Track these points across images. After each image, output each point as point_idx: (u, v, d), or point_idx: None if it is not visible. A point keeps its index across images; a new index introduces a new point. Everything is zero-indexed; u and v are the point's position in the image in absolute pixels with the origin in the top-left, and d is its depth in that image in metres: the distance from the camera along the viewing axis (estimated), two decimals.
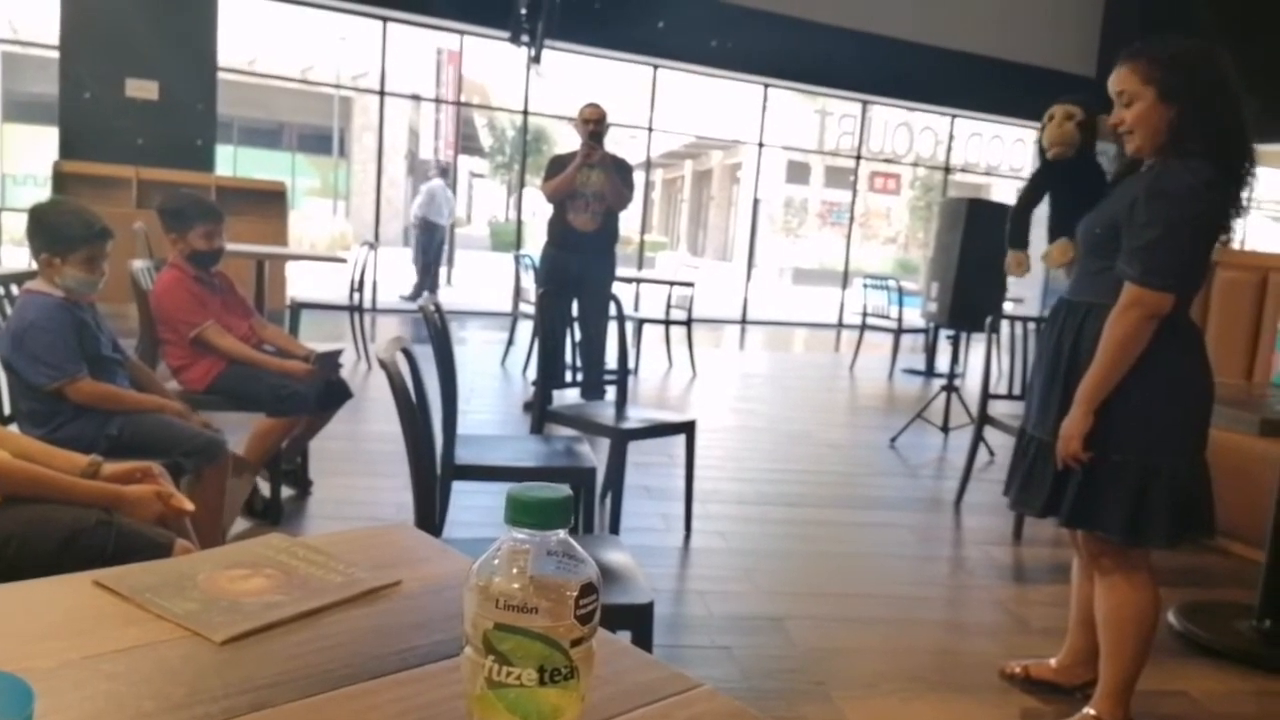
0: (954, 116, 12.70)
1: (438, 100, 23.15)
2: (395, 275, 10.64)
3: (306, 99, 21.16)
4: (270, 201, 8.38)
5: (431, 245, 11.10)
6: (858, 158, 14.23)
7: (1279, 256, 4.73)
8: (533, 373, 5.97)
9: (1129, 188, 2.12)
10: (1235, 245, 2.25)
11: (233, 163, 17.80)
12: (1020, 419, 2.45)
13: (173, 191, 3.66)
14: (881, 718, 2.36)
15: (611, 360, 4.37)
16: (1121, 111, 2.09)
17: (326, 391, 3.45)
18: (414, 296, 9.92)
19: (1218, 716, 2.50)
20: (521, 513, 0.60)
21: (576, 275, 5.05)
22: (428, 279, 10.90)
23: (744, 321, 12.21)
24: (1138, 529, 2.10)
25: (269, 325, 3.69)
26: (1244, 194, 2.06)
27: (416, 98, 20.68)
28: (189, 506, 1.90)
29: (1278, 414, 2.65)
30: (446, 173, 11.70)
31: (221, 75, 8.80)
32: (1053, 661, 2.54)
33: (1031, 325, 4.12)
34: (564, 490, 0.61)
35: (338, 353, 3.55)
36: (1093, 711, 2.23)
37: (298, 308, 6.14)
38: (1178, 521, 2.10)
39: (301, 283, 8.63)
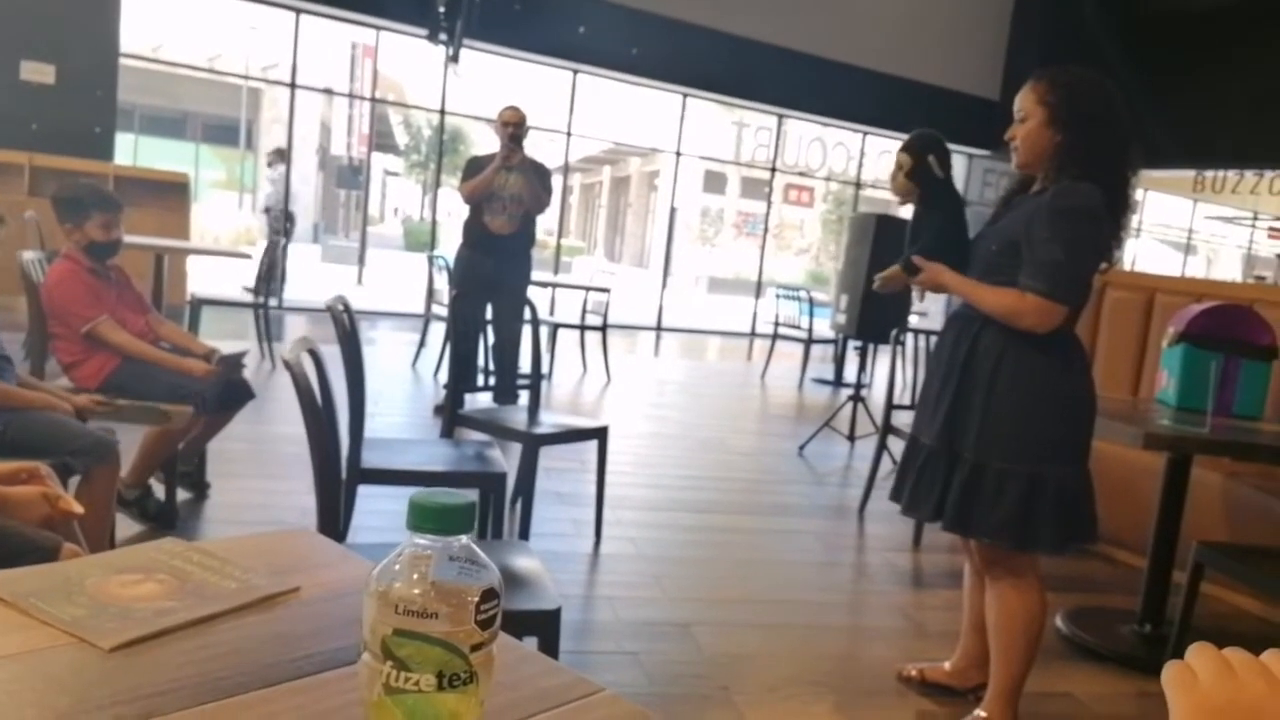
0: (865, 134, 13.02)
1: (351, 95, 22.69)
2: (303, 272, 10.34)
3: (213, 88, 20.51)
4: (172, 193, 8.08)
5: (275, 235, 10.43)
6: (773, 170, 14.47)
7: (1165, 278, 4.99)
8: (444, 376, 5.90)
9: (1023, 207, 2.21)
10: (1125, 267, 2.38)
11: (133, 152, 17.13)
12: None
13: (69, 180, 3.52)
14: None
15: (525, 365, 4.35)
16: (1016, 127, 2.21)
17: (227, 391, 3.35)
18: (255, 291, 9.42)
19: (1101, 717, 2.62)
20: (424, 518, 0.60)
21: (491, 278, 5.01)
22: (270, 274, 10.24)
23: (659, 329, 12.28)
24: (1025, 535, 2.19)
25: (166, 322, 3.56)
26: (1124, 221, 2.19)
27: (329, 92, 20.24)
28: (78, 509, 1.81)
29: (1161, 428, 2.79)
30: (284, 155, 11.20)
31: (123, 61, 8.46)
32: (947, 665, 2.62)
33: (934, 338, 4.25)
34: (467, 496, 0.61)
35: (241, 354, 3.45)
36: (983, 713, 2.32)
37: (198, 304, 5.94)
38: (1063, 528, 2.20)
39: (203, 279, 8.35)
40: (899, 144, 2.44)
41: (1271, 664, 0.52)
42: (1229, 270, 21.17)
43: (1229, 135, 9.45)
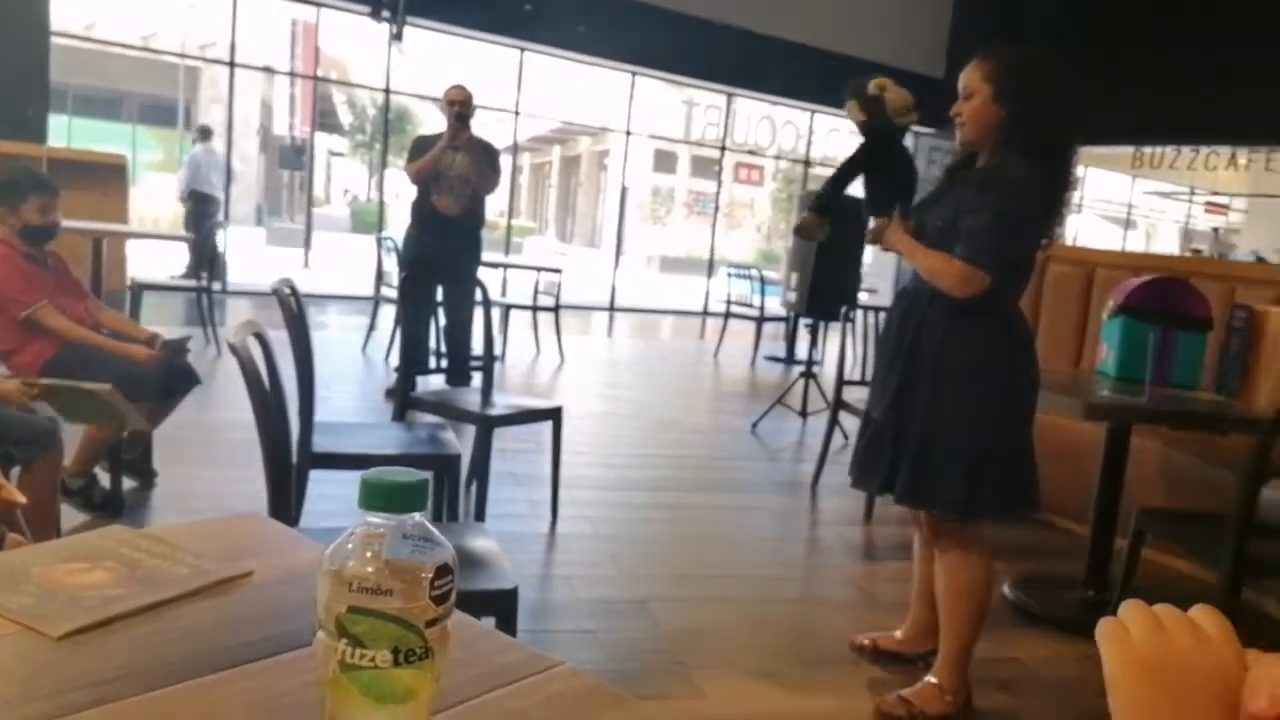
0: (814, 112, 13.09)
1: (292, 74, 22.19)
2: (247, 256, 10.13)
3: (149, 68, 19.91)
4: (109, 175, 7.85)
5: (202, 219, 9.87)
6: (722, 149, 14.50)
7: (1105, 253, 5.10)
8: (395, 359, 5.85)
9: (970, 183, 2.25)
10: (1067, 242, 2.43)
11: (67, 133, 16.60)
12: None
13: (2, 162, 3.40)
14: (738, 693, 2.44)
15: (478, 347, 4.32)
16: (961, 104, 2.24)
17: (171, 377, 3.28)
18: (188, 276, 9.12)
19: (1045, 679, 2.70)
20: (376, 497, 0.60)
21: (441, 259, 4.96)
22: (203, 257, 9.93)
23: (612, 309, 12.28)
24: (971, 505, 2.25)
25: (106, 308, 3.48)
26: (1064, 198, 2.24)
27: (269, 70, 19.78)
28: (20, 499, 1.78)
29: (1101, 399, 2.87)
30: (210, 135, 10.79)
31: (55, 40, 8.19)
32: (898, 633, 2.68)
33: (884, 314, 4.31)
34: (419, 474, 0.61)
35: (185, 339, 3.38)
36: (934, 679, 2.37)
37: (139, 289, 5.80)
38: (1008, 497, 2.26)
39: (143, 263, 8.16)
40: (847, 124, 2.45)
41: (1200, 619, 0.54)
42: (1168, 244, 21.71)
43: (1166, 112, 9.67)
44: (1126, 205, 18.59)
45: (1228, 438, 3.18)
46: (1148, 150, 12.52)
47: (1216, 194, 17.49)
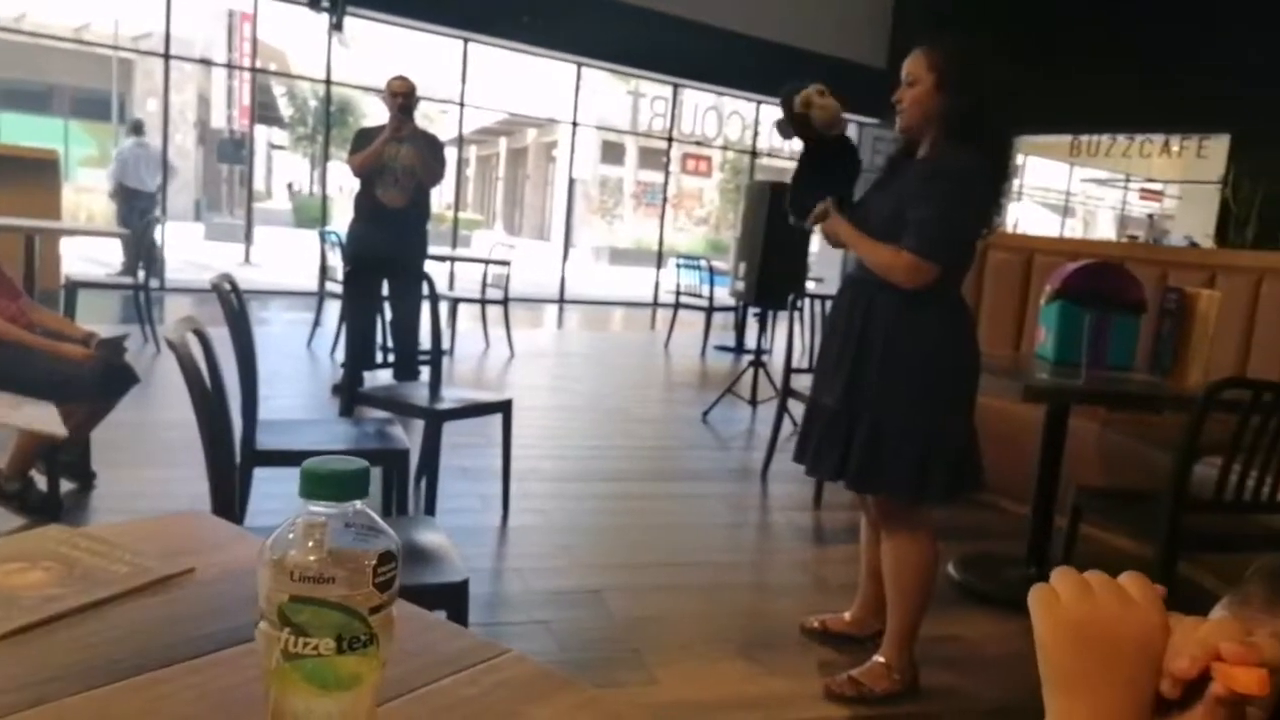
0: (759, 102, 13.17)
1: (230, 66, 21.71)
2: (186, 251, 9.90)
3: (82, 60, 19.36)
4: (40, 171, 7.63)
5: (133, 215, 9.72)
6: (669, 139, 14.52)
7: (1043, 239, 5.21)
8: (342, 354, 5.78)
9: (912, 172, 2.29)
10: (1006, 229, 2.48)
11: None
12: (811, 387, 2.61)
13: None
14: (691, 677, 2.46)
15: (426, 341, 4.29)
16: (904, 90, 2.27)
17: (109, 376, 3.20)
18: (123, 274, 8.89)
19: (989, 656, 2.76)
20: (316, 485, 0.60)
21: (386, 252, 4.91)
22: (139, 254, 9.63)
23: (561, 301, 12.25)
24: (920, 488, 2.29)
25: (40, 307, 3.38)
26: (1004, 187, 2.29)
27: (206, 62, 19.34)
28: None
29: (1039, 381, 2.94)
30: (141, 129, 10.54)
31: None
32: (847, 615, 2.72)
33: (830, 303, 4.36)
34: (359, 462, 0.61)
35: (122, 338, 3.30)
36: (881, 658, 2.42)
37: (74, 287, 5.65)
38: (955, 479, 2.31)
39: (78, 260, 7.95)
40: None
41: (1127, 584, 0.56)
42: (1105, 230, 22.20)
43: (1102, 101, 9.89)
44: (1065, 193, 18.99)
45: (1162, 417, 3.27)
46: (1085, 139, 12.80)
47: (1151, 180, 17.92)
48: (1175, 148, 12.11)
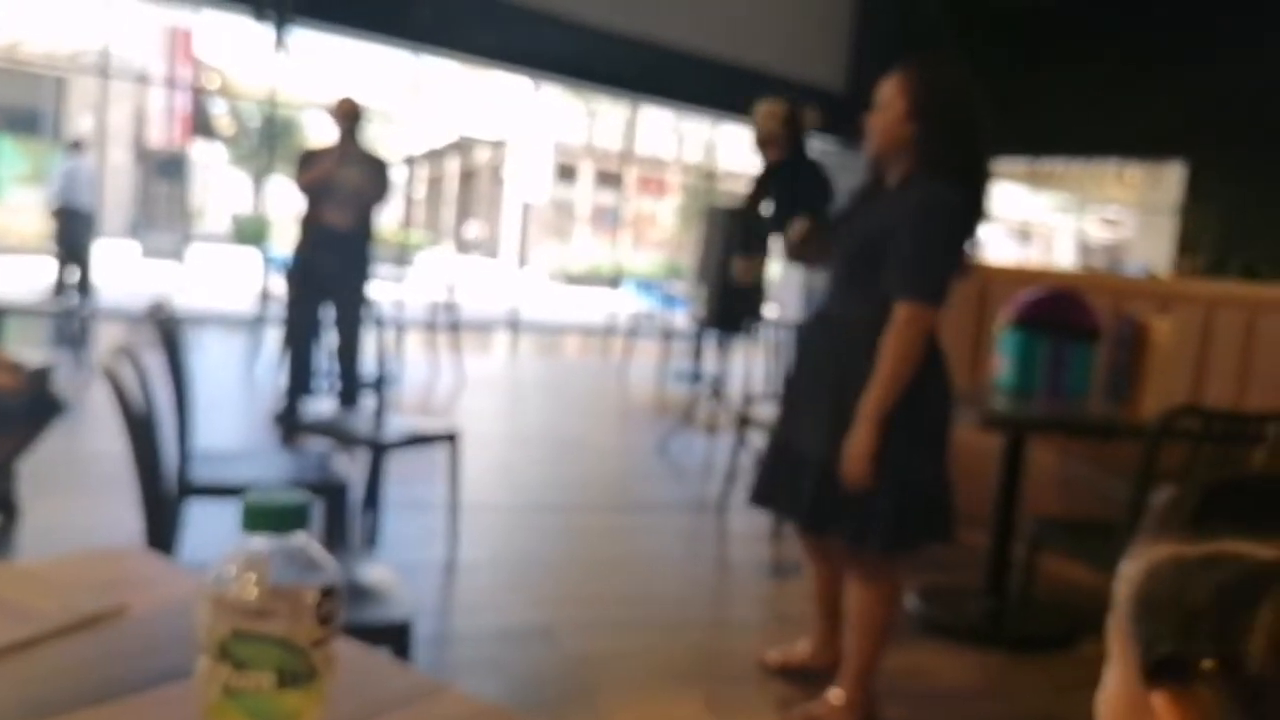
0: (717, 122, 13.22)
1: (169, 83, 21.27)
2: (120, 272, 9.56)
3: (14, 75, 18.86)
4: None
5: (72, 236, 9.29)
6: (626, 161, 14.52)
7: (999, 268, 5.23)
8: (283, 381, 5.61)
9: (884, 204, 2.22)
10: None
11: None
12: (775, 424, 2.53)
13: None
14: (645, 717, 2.36)
15: (371, 367, 4.16)
16: (875, 115, 2.20)
17: (35, 405, 3.05)
18: (54, 296, 8.62)
19: (948, 687, 2.71)
20: (257, 519, 0.60)
21: (330, 275, 4.76)
22: (73, 275, 8.91)
23: (514, 326, 12.11)
24: (896, 539, 2.21)
25: None
26: (980, 218, 2.22)
27: (143, 80, 18.95)
28: None
29: (997, 410, 2.91)
30: (81, 148, 10.17)
31: None
32: (806, 648, 2.64)
33: (787, 331, 4.31)
34: (300, 495, 0.61)
35: (52, 364, 3.15)
36: (840, 690, 2.34)
37: (1, 311, 5.42)
38: (927, 530, 2.25)
39: (5, 282, 7.67)
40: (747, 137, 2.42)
41: None
42: (1064, 256, 22.57)
43: (1062, 127, 10.05)
44: (1024, 220, 19.32)
45: (1118, 445, 3.26)
46: (1045, 165, 13.02)
47: (1109, 205, 18.31)
48: (1129, 175, 12.34)
